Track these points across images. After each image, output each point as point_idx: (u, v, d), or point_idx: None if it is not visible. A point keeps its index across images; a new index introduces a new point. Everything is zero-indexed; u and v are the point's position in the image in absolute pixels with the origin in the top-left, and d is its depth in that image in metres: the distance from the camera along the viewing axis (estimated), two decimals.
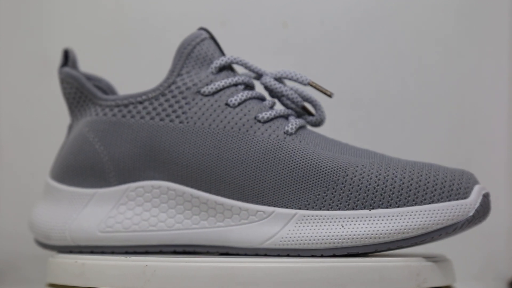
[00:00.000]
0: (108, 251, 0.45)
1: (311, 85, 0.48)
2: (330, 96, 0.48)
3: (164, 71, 0.68)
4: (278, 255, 0.43)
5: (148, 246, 0.45)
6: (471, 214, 0.42)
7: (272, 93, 0.49)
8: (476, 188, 0.43)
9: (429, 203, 0.42)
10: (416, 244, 0.42)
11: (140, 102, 0.46)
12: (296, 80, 0.48)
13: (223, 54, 0.48)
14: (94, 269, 0.43)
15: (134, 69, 0.69)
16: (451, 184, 0.43)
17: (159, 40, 0.69)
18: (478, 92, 0.69)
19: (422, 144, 0.69)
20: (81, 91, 0.48)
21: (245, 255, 0.44)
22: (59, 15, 0.69)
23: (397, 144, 0.68)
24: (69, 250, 0.46)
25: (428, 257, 0.44)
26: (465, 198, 0.42)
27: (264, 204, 0.44)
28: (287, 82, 0.62)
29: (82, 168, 0.47)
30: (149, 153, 0.45)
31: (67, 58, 0.49)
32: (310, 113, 0.49)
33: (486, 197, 0.43)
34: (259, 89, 0.50)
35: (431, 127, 0.69)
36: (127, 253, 0.45)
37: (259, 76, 0.48)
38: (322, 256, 0.43)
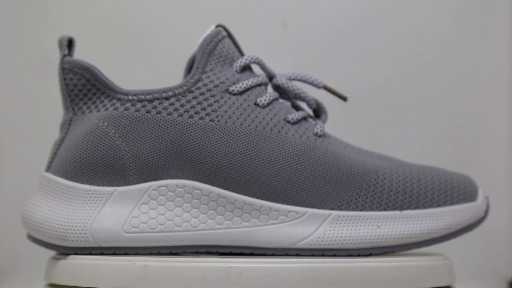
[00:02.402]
0: (131, 252, 0.44)
1: (326, 89, 0.48)
2: (345, 100, 0.48)
3: (163, 71, 0.68)
4: (312, 255, 0.44)
5: (173, 247, 0.44)
6: (482, 215, 0.46)
7: (284, 94, 0.48)
8: (480, 191, 0.47)
9: (450, 205, 0.45)
10: (441, 242, 0.45)
11: (166, 98, 0.44)
12: (311, 83, 0.48)
13: (241, 52, 0.47)
14: (161, 271, 0.41)
15: (134, 69, 0.69)
16: (464, 187, 0.46)
17: (159, 40, 0.69)
18: (478, 92, 0.69)
19: (422, 144, 0.69)
20: (93, 83, 0.45)
21: (273, 255, 0.44)
22: (60, 15, 0.69)
23: (397, 144, 0.68)
24: (89, 251, 0.44)
25: (428, 257, 0.45)
26: (474, 200, 0.46)
27: (296, 205, 0.44)
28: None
29: (99, 165, 0.44)
30: (176, 150, 0.44)
31: (71, 48, 0.46)
32: (316, 115, 0.49)
33: (487, 199, 0.47)
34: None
35: (431, 127, 0.69)
36: (151, 254, 0.44)
37: (271, 76, 0.48)
38: (359, 255, 0.44)
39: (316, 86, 0.48)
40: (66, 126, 0.46)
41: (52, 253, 0.47)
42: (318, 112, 0.48)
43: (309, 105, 0.48)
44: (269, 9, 0.68)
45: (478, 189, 0.47)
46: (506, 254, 0.68)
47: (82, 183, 0.44)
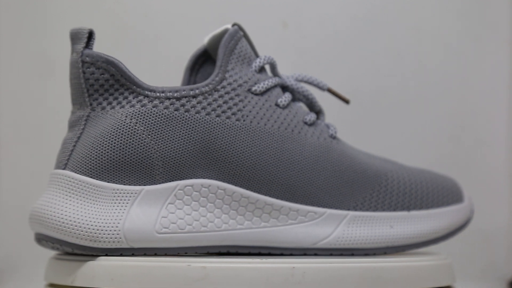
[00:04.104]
0: (161, 253, 0.43)
1: (330, 91, 0.49)
2: (347, 102, 0.50)
3: (162, 71, 0.68)
4: (331, 255, 0.45)
5: (199, 248, 0.44)
6: (470, 215, 0.49)
7: (292, 95, 0.49)
8: (465, 193, 0.50)
9: (447, 206, 0.48)
10: (442, 241, 0.48)
11: (194, 96, 0.44)
12: (316, 85, 0.49)
13: (255, 52, 0.48)
14: (222, 272, 0.41)
15: (133, 68, 0.69)
16: (456, 189, 0.49)
17: (159, 40, 0.69)
18: (478, 93, 0.70)
19: (422, 144, 0.69)
20: (117, 79, 0.43)
21: (291, 255, 0.45)
22: (60, 15, 0.70)
23: (397, 145, 0.69)
24: (120, 253, 0.42)
25: (428, 257, 0.46)
26: (462, 201, 0.49)
27: (315, 205, 0.45)
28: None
29: (127, 163, 0.43)
30: (203, 150, 0.44)
31: (90, 41, 0.44)
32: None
33: (471, 199, 0.50)
34: None
35: (431, 127, 0.69)
36: (179, 255, 0.44)
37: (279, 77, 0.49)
38: (374, 254, 0.46)
39: (321, 88, 0.49)
40: (83, 122, 0.44)
41: (52, 253, 0.46)
42: (318, 114, 0.49)
43: (314, 107, 0.49)
44: (269, 9, 0.69)
45: (463, 191, 0.50)
46: (506, 254, 0.68)
47: (108, 181, 0.43)
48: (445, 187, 0.49)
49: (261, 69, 0.47)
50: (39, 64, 0.69)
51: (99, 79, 0.43)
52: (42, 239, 0.44)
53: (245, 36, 0.47)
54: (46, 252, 0.47)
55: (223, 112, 0.44)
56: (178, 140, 0.43)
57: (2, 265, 0.68)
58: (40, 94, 0.69)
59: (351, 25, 0.70)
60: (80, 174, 0.43)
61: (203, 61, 0.50)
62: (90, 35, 0.44)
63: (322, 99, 0.52)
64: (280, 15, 0.70)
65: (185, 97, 0.44)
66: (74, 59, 0.44)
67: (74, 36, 0.44)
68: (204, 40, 0.49)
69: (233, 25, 0.47)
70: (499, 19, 0.70)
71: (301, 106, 0.48)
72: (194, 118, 0.43)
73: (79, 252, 0.43)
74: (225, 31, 0.47)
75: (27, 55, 0.69)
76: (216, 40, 0.48)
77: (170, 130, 0.43)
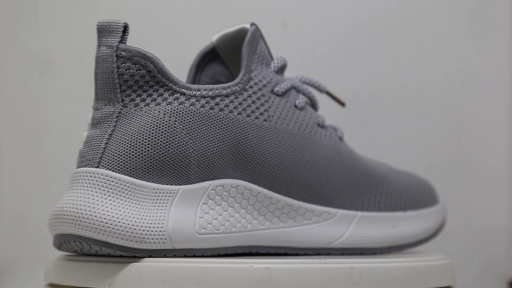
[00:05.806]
0: (198, 254, 0.43)
1: (328, 94, 0.52)
2: (343, 105, 0.52)
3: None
4: (342, 254, 0.48)
5: (229, 248, 0.44)
6: (445, 215, 0.52)
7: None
8: (437, 193, 0.53)
9: (430, 206, 0.51)
10: (430, 240, 0.51)
11: (226, 96, 0.44)
12: (317, 87, 0.51)
13: (270, 53, 0.49)
14: (285, 272, 0.41)
15: None
16: (433, 191, 0.52)
17: (159, 40, 0.69)
18: (478, 92, 0.70)
19: (422, 144, 0.70)
20: (153, 75, 0.43)
21: (305, 255, 0.47)
22: (59, 15, 0.70)
23: (397, 145, 0.69)
24: (163, 254, 0.42)
25: (428, 257, 0.47)
26: (439, 202, 0.52)
27: (328, 206, 0.47)
28: None
29: (166, 162, 0.42)
30: (234, 149, 0.44)
31: (125, 35, 0.43)
32: None
33: (443, 201, 0.53)
34: None
35: (431, 127, 0.70)
36: (212, 255, 0.44)
37: None
38: (381, 253, 0.49)
39: (320, 90, 0.51)
40: (114, 118, 0.43)
41: (53, 254, 0.46)
42: None
43: (315, 109, 0.50)
44: (269, 9, 0.69)
45: (437, 192, 0.53)
46: (506, 254, 0.68)
47: (148, 181, 0.42)
48: (428, 189, 0.52)
49: (277, 70, 0.48)
50: (39, 64, 0.69)
51: (134, 75, 0.43)
52: (72, 241, 0.42)
53: (261, 36, 0.49)
54: (45, 252, 0.47)
55: (252, 112, 0.45)
56: (213, 139, 0.44)
57: (1, 266, 0.68)
58: (40, 94, 0.69)
59: (351, 25, 0.70)
60: (119, 172, 0.42)
61: (209, 59, 0.51)
62: (125, 28, 0.43)
63: (321, 101, 0.52)
64: (280, 15, 0.70)
65: (219, 96, 0.44)
66: (106, 53, 0.43)
67: (104, 29, 0.43)
68: (212, 38, 0.50)
69: (251, 25, 0.48)
70: (499, 19, 0.70)
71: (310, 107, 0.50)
72: (228, 118, 0.44)
73: (119, 253, 0.42)
74: (241, 30, 0.48)
75: (27, 55, 0.69)
76: (228, 39, 0.50)
77: (206, 129, 0.44)
